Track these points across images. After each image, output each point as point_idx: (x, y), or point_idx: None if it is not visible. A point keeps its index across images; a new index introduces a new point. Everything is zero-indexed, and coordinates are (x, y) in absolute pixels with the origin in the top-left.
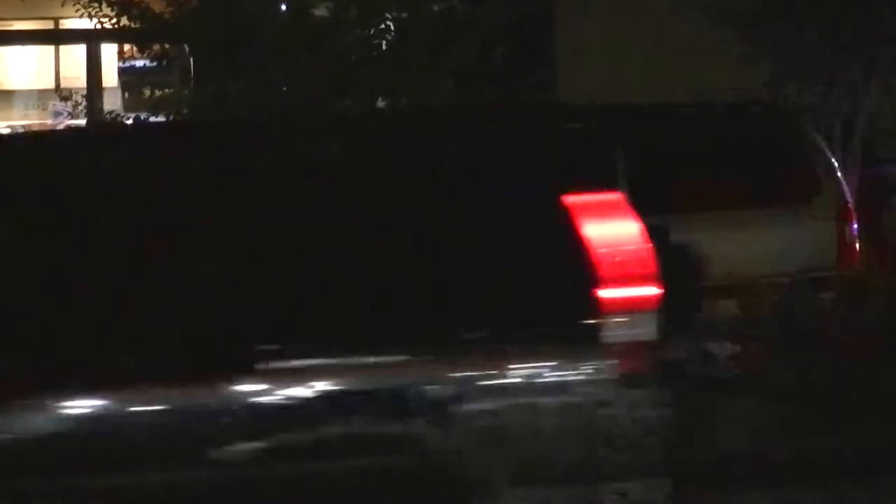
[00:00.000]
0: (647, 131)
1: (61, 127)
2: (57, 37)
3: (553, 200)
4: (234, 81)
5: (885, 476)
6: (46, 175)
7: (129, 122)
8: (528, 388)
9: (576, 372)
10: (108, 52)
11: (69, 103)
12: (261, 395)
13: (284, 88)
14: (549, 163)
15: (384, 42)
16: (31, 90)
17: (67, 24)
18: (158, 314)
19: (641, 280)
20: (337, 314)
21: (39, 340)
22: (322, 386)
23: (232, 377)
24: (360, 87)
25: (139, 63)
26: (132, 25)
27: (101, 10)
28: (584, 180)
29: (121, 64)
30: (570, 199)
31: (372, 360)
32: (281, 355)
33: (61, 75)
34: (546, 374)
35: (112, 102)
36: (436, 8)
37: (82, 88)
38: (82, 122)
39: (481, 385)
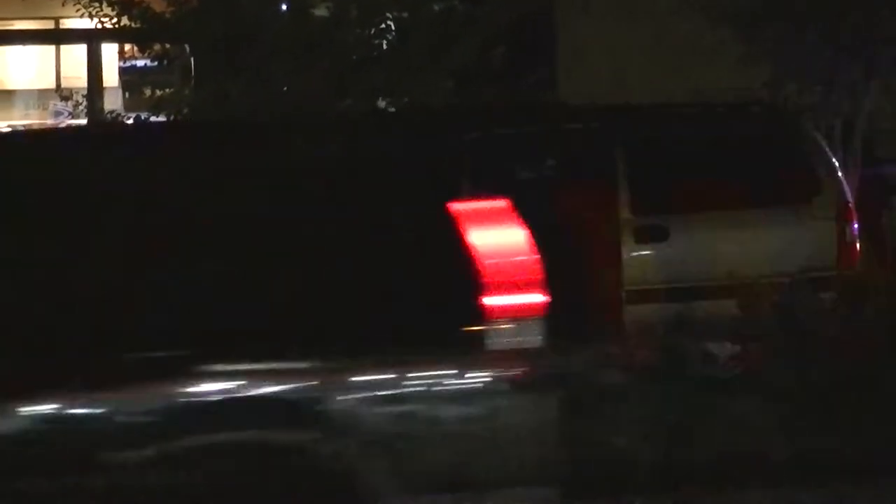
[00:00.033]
0: (648, 131)
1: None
2: (57, 36)
3: (438, 207)
4: (234, 81)
5: (885, 476)
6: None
7: (130, 121)
8: (413, 395)
9: (461, 379)
10: (109, 51)
11: (70, 103)
12: (144, 402)
13: (285, 88)
14: (434, 169)
15: (384, 42)
16: (32, 90)
17: (68, 23)
18: (52, 314)
19: (527, 287)
20: (223, 320)
21: None
22: (209, 392)
23: (110, 382)
24: (361, 87)
25: (140, 63)
26: (133, 25)
27: (102, 10)
28: (472, 187)
29: (121, 63)
30: (456, 206)
31: (258, 367)
32: (169, 360)
33: (62, 75)
34: (431, 382)
35: (113, 102)
36: (436, 8)
37: (83, 88)
38: (83, 121)
39: (366, 393)
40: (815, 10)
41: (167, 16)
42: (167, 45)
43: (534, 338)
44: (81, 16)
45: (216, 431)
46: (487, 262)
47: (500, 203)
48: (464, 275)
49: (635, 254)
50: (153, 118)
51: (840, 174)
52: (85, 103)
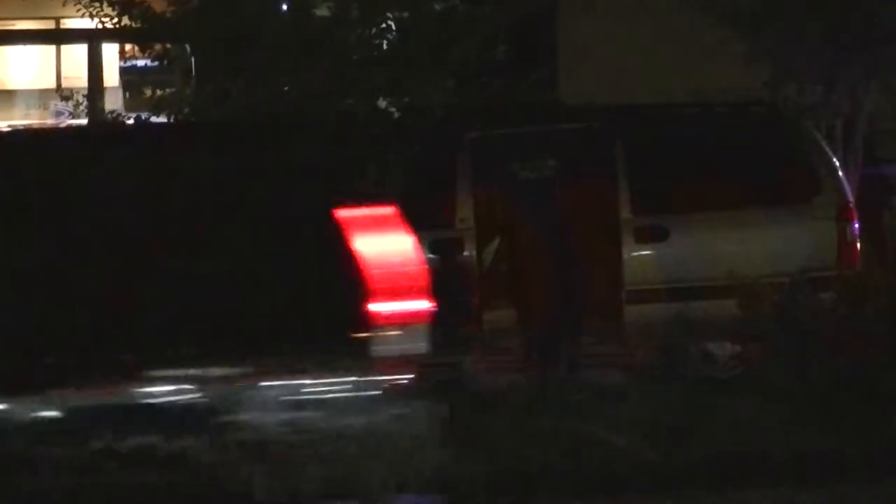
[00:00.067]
0: (648, 131)
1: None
2: (58, 36)
3: (324, 215)
4: (235, 81)
5: (885, 476)
6: None
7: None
8: (299, 401)
9: (346, 385)
10: (110, 51)
11: (70, 103)
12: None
13: (286, 88)
14: (320, 178)
15: (385, 42)
16: (33, 90)
17: (69, 23)
18: None
19: (412, 294)
20: (96, 326)
21: None
22: (82, 399)
23: None
24: (362, 86)
25: (140, 62)
26: (133, 25)
27: (103, 10)
28: (357, 194)
29: (122, 63)
30: (343, 214)
31: (133, 372)
32: (38, 367)
33: (62, 75)
34: (315, 388)
35: (113, 102)
36: (437, 7)
37: (83, 88)
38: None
39: (249, 398)
40: (816, 9)
41: (168, 16)
42: (168, 45)
43: (420, 344)
44: (82, 16)
45: (95, 437)
46: (374, 269)
47: (388, 210)
48: (350, 282)
49: (635, 254)
50: (154, 118)
51: (840, 174)
52: (85, 103)
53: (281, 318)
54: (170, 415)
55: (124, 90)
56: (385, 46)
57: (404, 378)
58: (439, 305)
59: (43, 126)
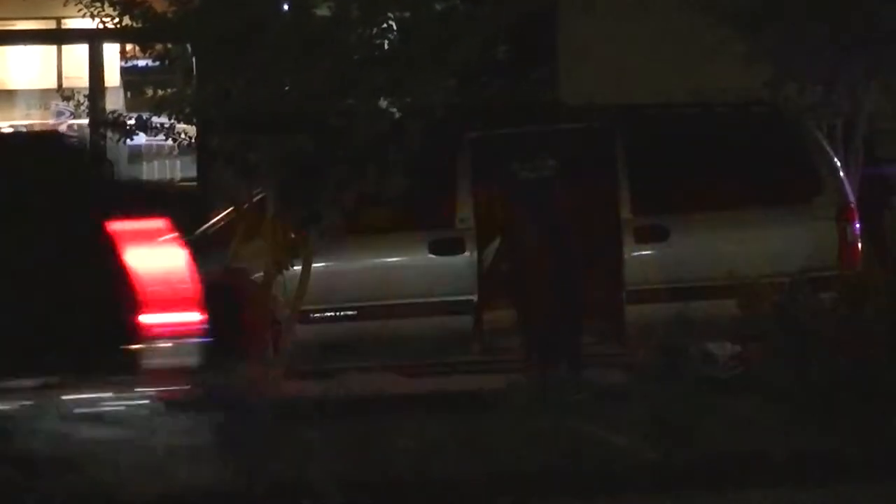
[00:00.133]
0: (648, 131)
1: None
2: (59, 36)
3: (95, 227)
4: (235, 81)
5: (885, 476)
6: None
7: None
8: (70, 415)
9: (115, 398)
10: (111, 51)
11: (71, 103)
12: None
13: (286, 88)
14: (89, 190)
15: (386, 41)
16: (33, 90)
17: (70, 23)
18: None
19: (183, 306)
20: None
21: None
22: None
23: None
24: (363, 86)
25: (141, 63)
26: (134, 25)
27: (104, 10)
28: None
29: (123, 63)
30: (114, 226)
31: None
32: None
33: (63, 75)
34: (85, 401)
35: (114, 102)
36: (438, 7)
37: (84, 88)
38: (84, 121)
39: (19, 413)
40: (816, 9)
41: (169, 16)
42: (169, 45)
43: (191, 357)
44: (83, 16)
45: None
46: (145, 281)
47: (159, 223)
48: (122, 294)
49: (636, 254)
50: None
51: (841, 174)
52: (87, 103)
53: (51, 330)
54: None
55: (125, 90)
56: (386, 46)
57: (176, 390)
58: (215, 317)
59: None
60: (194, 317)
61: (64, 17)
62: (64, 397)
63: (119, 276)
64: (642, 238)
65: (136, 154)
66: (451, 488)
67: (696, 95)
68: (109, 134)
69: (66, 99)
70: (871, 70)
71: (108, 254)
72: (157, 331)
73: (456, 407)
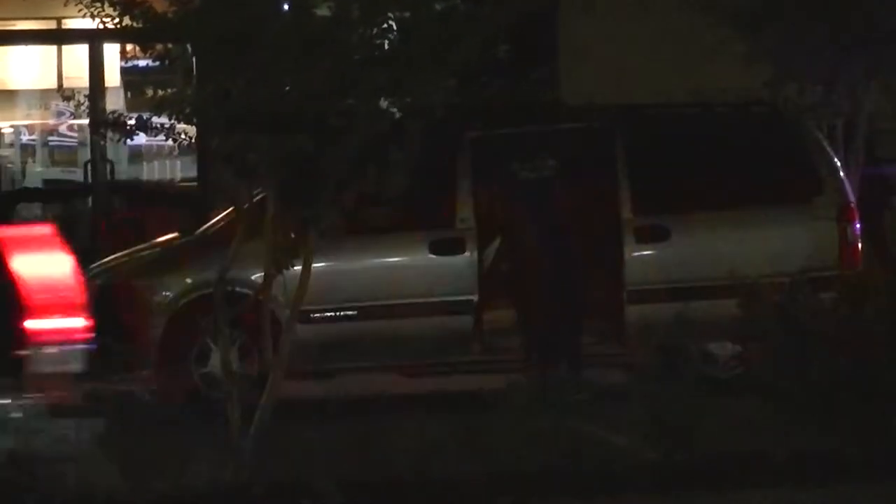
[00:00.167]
0: (648, 131)
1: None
2: (59, 37)
3: None
4: (235, 81)
5: (885, 476)
6: None
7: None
8: None
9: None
10: (111, 51)
11: (71, 103)
12: None
13: (287, 88)
14: None
15: (386, 42)
16: (34, 90)
17: (70, 23)
18: None
19: (69, 312)
20: None
21: None
22: None
23: None
24: (363, 86)
25: (142, 63)
26: (134, 25)
27: (104, 10)
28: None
29: (123, 63)
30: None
31: None
32: None
33: (64, 75)
34: None
35: (115, 102)
36: (438, 7)
37: (85, 88)
38: (85, 121)
39: None
40: (816, 9)
41: (169, 16)
42: (169, 45)
43: (75, 363)
44: (83, 16)
45: None
46: (31, 287)
47: (45, 229)
48: (7, 300)
49: (636, 254)
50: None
51: (841, 174)
52: (87, 103)
53: None
54: None
55: (125, 90)
56: (386, 46)
57: (61, 395)
58: (103, 323)
59: None
60: (79, 322)
61: (64, 18)
62: None
63: (4, 282)
64: (643, 238)
65: (137, 154)
66: (451, 488)
67: (696, 95)
68: (109, 134)
69: (67, 99)
70: (872, 70)
71: None
72: (42, 337)
73: (456, 407)
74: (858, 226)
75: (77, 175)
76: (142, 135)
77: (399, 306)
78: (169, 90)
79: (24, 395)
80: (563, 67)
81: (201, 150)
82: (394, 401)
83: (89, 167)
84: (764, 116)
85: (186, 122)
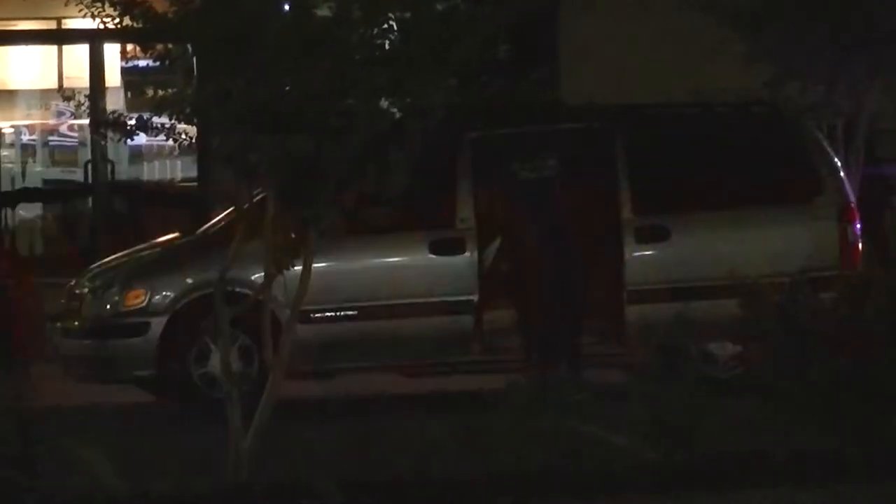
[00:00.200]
0: (649, 131)
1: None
2: (60, 37)
3: None
4: (235, 81)
5: (885, 476)
6: None
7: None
8: None
9: None
10: (111, 51)
11: (72, 103)
12: None
13: (287, 88)
14: None
15: (387, 42)
16: (34, 90)
17: (70, 24)
18: None
19: None
20: None
21: None
22: None
23: None
24: (363, 86)
25: (142, 63)
26: (135, 25)
27: (104, 10)
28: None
29: (124, 63)
30: None
31: None
32: None
33: (64, 75)
34: None
35: (115, 102)
36: (438, 7)
37: (85, 88)
38: (85, 121)
39: None
40: (816, 9)
41: (169, 16)
42: (169, 45)
43: None
44: (83, 16)
45: None
46: None
47: None
48: None
49: (636, 254)
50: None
51: (842, 174)
52: (87, 103)
53: None
54: None
55: (126, 90)
56: (386, 46)
57: None
58: None
59: None
60: None
61: (64, 18)
62: None
63: None
64: (643, 238)
65: (137, 154)
66: (451, 488)
67: (696, 95)
68: (110, 134)
69: (67, 99)
70: (872, 70)
71: None
72: None
73: (456, 407)
74: (859, 226)
75: (77, 175)
76: (142, 135)
77: (399, 306)
78: (169, 90)
79: None
80: (564, 67)
81: (201, 150)
82: (394, 401)
83: (90, 167)
84: (764, 116)
85: (187, 122)
